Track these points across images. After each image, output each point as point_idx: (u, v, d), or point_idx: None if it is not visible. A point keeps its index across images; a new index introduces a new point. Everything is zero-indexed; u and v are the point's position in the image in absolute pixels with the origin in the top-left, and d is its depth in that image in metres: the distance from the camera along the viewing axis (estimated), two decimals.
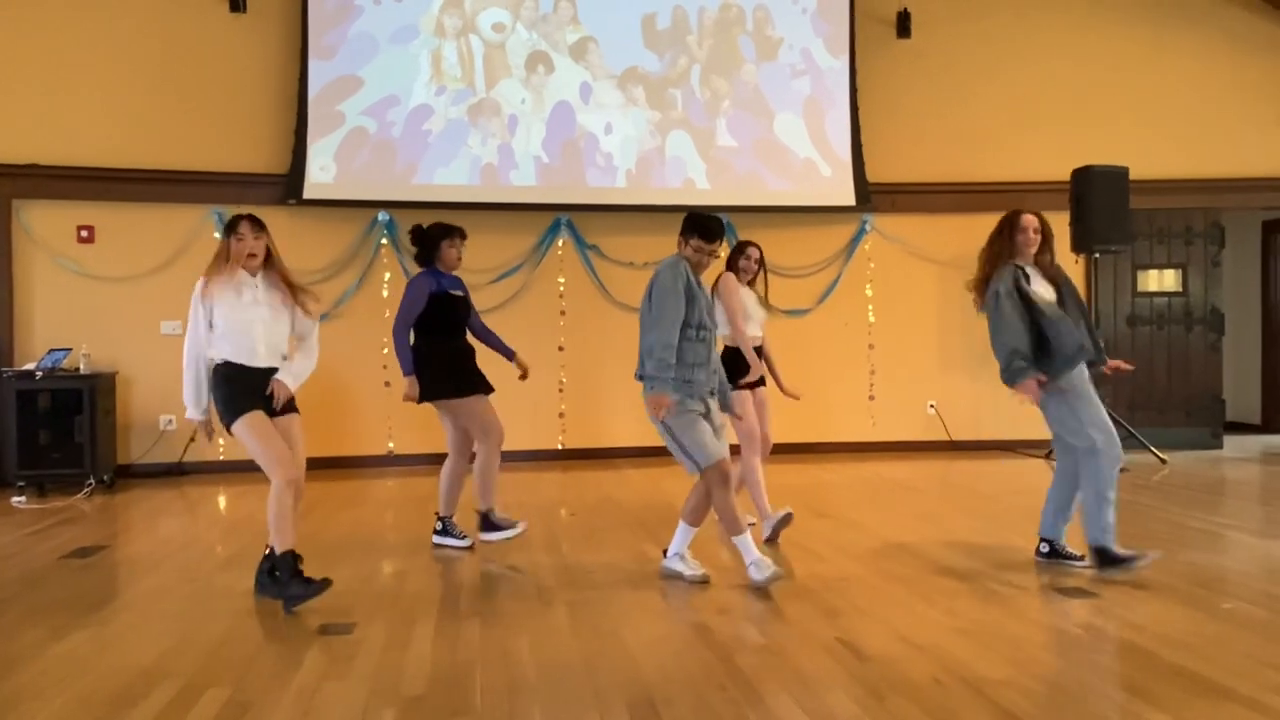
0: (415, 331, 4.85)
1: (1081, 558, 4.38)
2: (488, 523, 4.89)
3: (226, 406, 3.90)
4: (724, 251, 4.64)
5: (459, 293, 4.97)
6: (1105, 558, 4.18)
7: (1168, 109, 8.58)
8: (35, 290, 7.40)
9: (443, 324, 4.86)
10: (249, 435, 3.88)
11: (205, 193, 7.61)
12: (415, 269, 5.06)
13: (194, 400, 3.96)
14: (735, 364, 4.89)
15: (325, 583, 3.85)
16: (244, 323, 3.93)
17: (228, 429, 3.93)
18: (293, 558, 3.88)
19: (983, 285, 4.39)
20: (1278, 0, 8.53)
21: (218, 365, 3.93)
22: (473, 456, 4.92)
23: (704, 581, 4.17)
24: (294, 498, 3.95)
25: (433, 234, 4.92)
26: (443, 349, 4.86)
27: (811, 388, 8.83)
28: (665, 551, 4.37)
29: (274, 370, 4.00)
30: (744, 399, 4.90)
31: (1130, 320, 8.66)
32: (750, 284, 5.18)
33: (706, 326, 4.14)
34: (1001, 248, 4.35)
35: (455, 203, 7.63)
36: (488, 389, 4.91)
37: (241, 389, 3.91)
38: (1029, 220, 4.34)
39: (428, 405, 4.90)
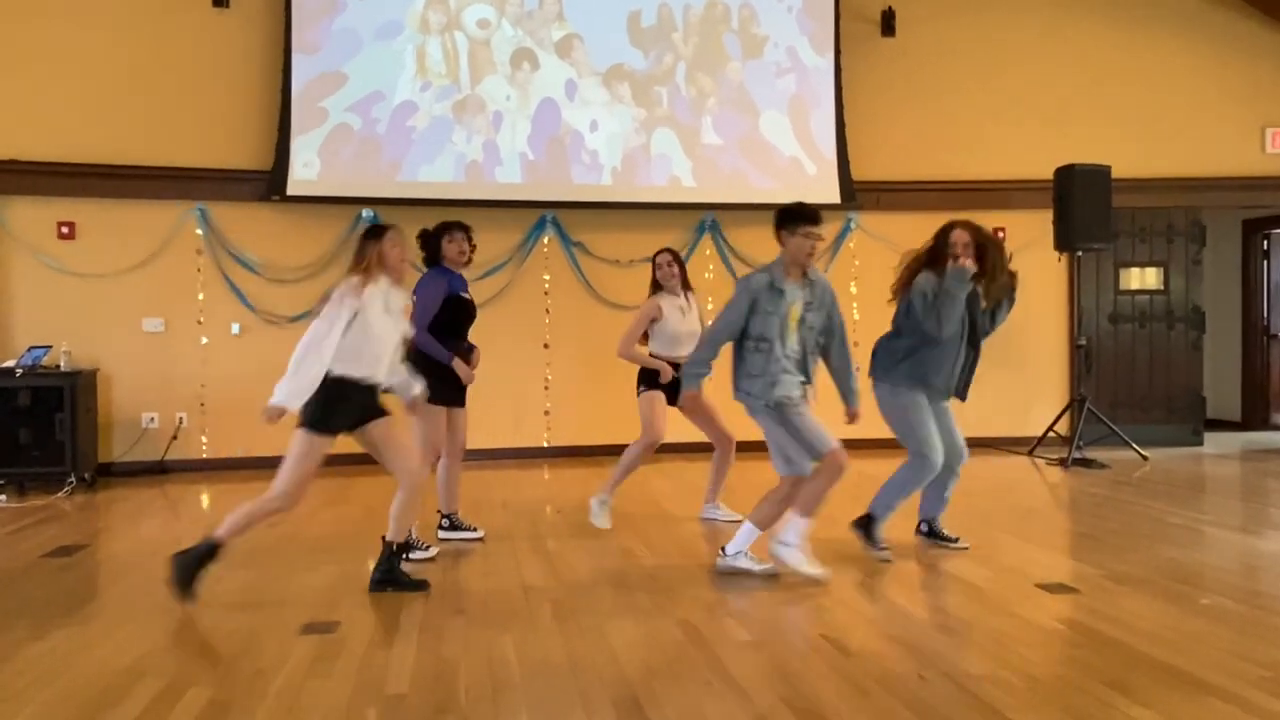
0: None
1: (957, 539, 4.76)
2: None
3: (323, 414, 3.84)
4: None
5: (467, 295, 4.88)
6: (866, 527, 4.60)
7: (1150, 108, 8.64)
8: (15, 287, 7.34)
9: (452, 328, 4.77)
10: (311, 452, 3.86)
11: (188, 189, 7.56)
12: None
13: (300, 394, 3.76)
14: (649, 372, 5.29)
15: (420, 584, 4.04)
16: (380, 337, 3.94)
17: (301, 427, 3.86)
18: (208, 549, 3.84)
19: (905, 287, 4.62)
20: (1259, 2, 8.61)
21: (333, 378, 3.84)
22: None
23: (825, 579, 4.16)
24: (277, 511, 3.94)
25: (435, 231, 4.84)
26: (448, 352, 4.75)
27: None
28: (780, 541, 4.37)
29: (376, 387, 4.02)
30: (653, 399, 5.24)
31: (1112, 318, 8.71)
32: (684, 290, 5.39)
33: (768, 339, 4.16)
34: (928, 257, 4.59)
35: (440, 199, 7.60)
36: (463, 401, 4.90)
37: (345, 407, 3.90)
38: (959, 235, 4.51)
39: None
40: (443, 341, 4.71)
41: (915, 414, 4.50)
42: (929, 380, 4.52)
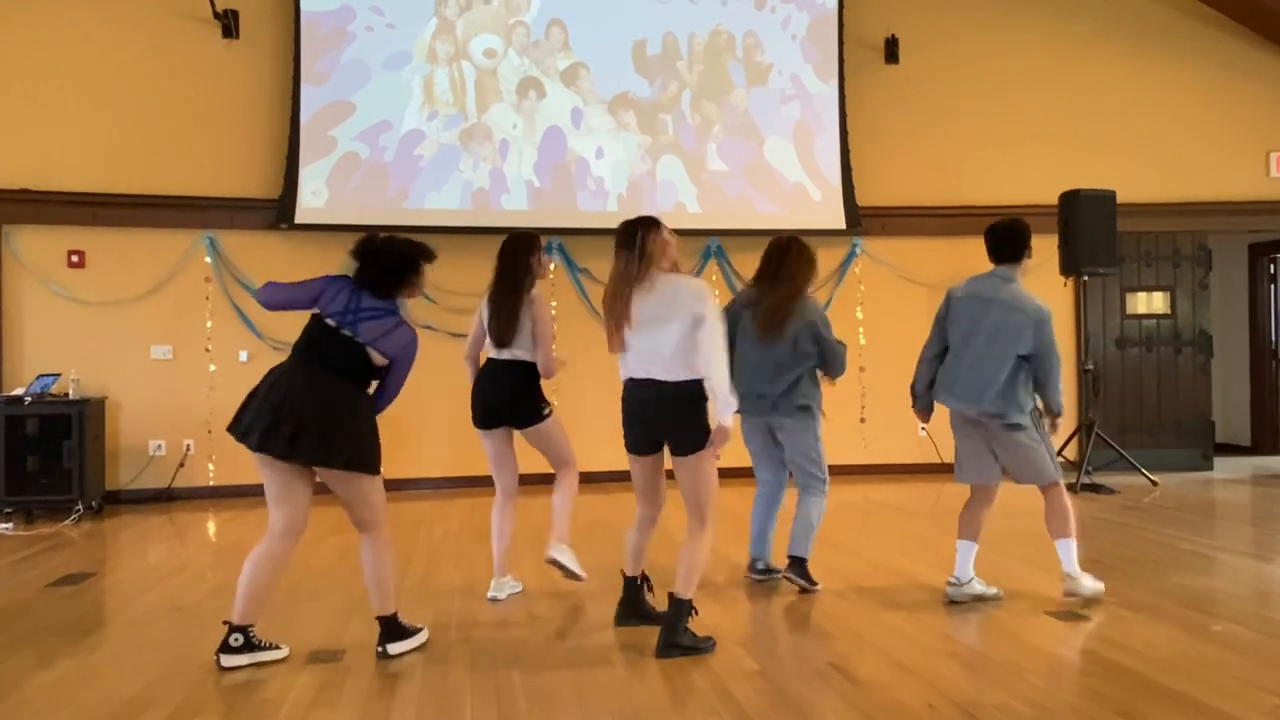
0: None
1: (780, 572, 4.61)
2: (248, 642, 3.50)
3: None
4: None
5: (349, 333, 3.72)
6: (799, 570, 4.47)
7: (1155, 133, 8.67)
8: (25, 315, 7.38)
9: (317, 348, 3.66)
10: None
11: (197, 218, 7.61)
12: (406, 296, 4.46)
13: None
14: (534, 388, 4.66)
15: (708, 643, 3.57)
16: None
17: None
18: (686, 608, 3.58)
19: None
20: (1262, 28, 8.66)
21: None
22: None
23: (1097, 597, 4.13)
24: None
25: (407, 254, 3.81)
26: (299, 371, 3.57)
27: None
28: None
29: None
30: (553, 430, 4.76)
31: (1119, 342, 8.70)
32: None
33: None
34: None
35: (447, 227, 7.65)
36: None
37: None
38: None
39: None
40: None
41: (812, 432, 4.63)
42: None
